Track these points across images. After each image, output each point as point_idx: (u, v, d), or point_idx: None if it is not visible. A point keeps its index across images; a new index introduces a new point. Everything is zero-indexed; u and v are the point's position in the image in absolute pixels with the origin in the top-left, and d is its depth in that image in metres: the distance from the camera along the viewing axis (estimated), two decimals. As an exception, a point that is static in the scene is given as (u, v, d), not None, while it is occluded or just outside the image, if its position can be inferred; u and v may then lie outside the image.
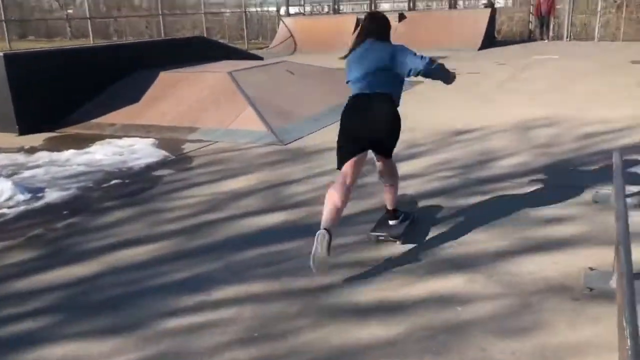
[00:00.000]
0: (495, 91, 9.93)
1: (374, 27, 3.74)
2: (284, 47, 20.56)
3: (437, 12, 20.65)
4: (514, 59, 14.95)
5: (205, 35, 29.94)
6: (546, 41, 20.10)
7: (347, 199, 3.36)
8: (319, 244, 3.06)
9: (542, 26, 20.50)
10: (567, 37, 20.57)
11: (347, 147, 3.48)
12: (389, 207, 3.91)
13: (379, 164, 3.76)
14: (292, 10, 23.32)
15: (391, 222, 3.90)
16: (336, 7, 22.27)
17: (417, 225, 3.98)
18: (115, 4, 32.67)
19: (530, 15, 21.97)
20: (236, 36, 29.45)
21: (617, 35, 22.57)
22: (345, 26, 20.56)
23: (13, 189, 4.93)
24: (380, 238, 3.77)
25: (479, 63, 14.50)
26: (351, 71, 3.62)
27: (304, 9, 23.05)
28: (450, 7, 20.65)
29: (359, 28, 3.81)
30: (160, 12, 21.20)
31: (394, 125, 3.53)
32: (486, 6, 20.03)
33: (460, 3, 26.50)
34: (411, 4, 21.28)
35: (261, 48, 21.80)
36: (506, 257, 3.47)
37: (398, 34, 19.98)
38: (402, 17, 19.98)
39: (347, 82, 3.62)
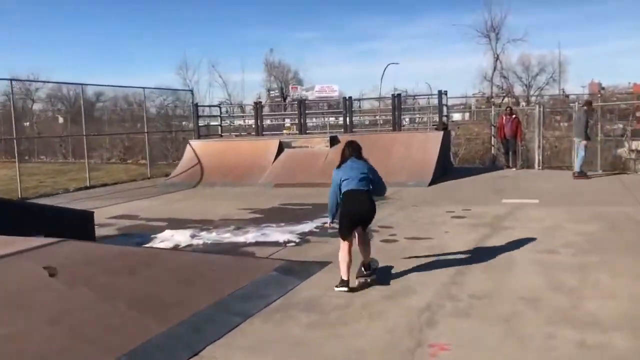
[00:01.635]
0: (447, 315, 5.08)
1: (353, 150, 5.82)
2: (187, 176, 15.87)
3: (378, 134, 16.47)
4: (476, 204, 10.42)
5: (118, 154, 25.37)
6: (514, 170, 15.92)
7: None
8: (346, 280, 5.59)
9: (507, 151, 16.41)
10: (538, 165, 16.46)
11: (349, 226, 5.65)
12: (365, 261, 5.90)
13: (357, 236, 5.80)
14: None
15: (366, 272, 5.90)
16: (260, 124, 17.93)
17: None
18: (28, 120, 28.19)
19: (493, 137, 18.00)
20: (159, 156, 25.00)
21: (592, 161, 18.73)
22: (266, 152, 16.14)
23: None
24: (362, 280, 5.82)
25: (426, 212, 9.88)
26: (347, 174, 5.65)
27: (220, 128, 18.63)
28: (394, 129, 16.51)
29: (343, 150, 5.89)
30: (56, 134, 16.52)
31: (372, 209, 5.70)
32: (438, 128, 15.93)
33: (416, 118, 22.68)
34: (347, 122, 17.09)
35: (168, 174, 17.12)
36: None
37: (328, 160, 15.83)
38: (334, 140, 15.66)
39: (344, 180, 5.63)
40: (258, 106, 17.78)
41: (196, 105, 17.49)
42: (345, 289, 5.53)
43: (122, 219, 10.49)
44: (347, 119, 16.99)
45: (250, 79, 80.00)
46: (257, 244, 8.02)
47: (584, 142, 13.13)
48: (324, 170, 14.89)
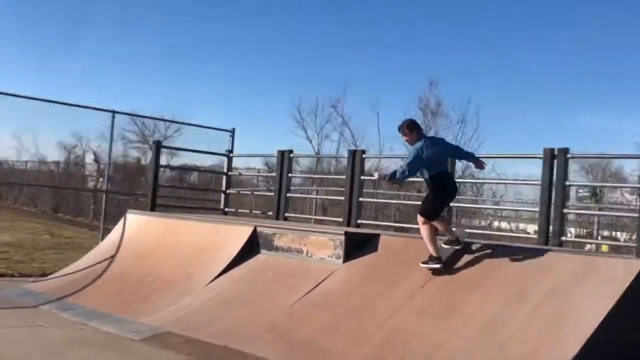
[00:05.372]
0: None
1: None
2: (73, 281, 8.70)
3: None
4: None
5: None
6: None
7: None
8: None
9: None
10: None
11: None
12: (453, 237, 6.62)
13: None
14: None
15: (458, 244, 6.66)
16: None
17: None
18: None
19: None
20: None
21: None
22: (219, 250, 8.39)
23: None
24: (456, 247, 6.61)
25: None
26: (438, 151, 6.53)
27: (224, 198, 10.88)
28: (545, 240, 7.02)
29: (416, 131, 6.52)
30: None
31: None
32: None
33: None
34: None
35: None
36: None
37: (324, 291, 6.21)
38: (353, 241, 7.23)
39: (435, 159, 6.46)
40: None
41: (158, 144, 10.44)
42: (441, 264, 6.36)
43: None
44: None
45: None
46: None
47: None
48: (292, 315, 6.59)
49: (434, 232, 6.42)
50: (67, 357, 5.80)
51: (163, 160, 19.70)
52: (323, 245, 7.54)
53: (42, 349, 5.97)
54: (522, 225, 15.44)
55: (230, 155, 11.43)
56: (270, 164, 13.86)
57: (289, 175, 10.30)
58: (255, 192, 13.22)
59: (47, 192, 22.52)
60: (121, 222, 9.95)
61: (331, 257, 7.41)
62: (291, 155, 10.37)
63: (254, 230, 8.27)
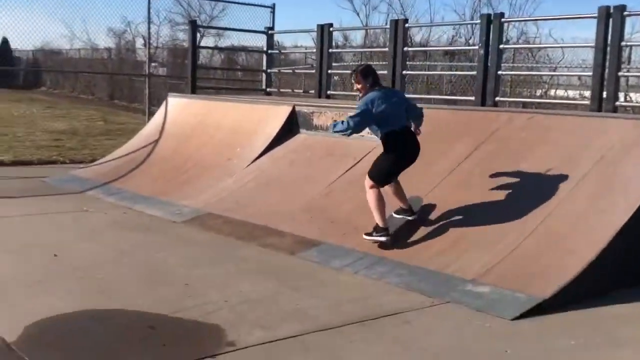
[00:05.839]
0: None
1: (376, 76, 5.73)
2: (117, 166, 8.89)
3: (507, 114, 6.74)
4: None
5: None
6: None
7: None
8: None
9: None
10: None
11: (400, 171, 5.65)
12: (406, 205, 5.71)
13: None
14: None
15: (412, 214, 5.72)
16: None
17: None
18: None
19: None
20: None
21: None
22: (256, 132, 8.28)
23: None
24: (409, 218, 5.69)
25: None
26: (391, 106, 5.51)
27: (265, 77, 10.78)
28: (598, 106, 6.55)
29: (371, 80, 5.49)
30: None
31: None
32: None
33: None
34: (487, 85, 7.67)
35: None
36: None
37: (361, 169, 5.66)
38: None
39: (389, 114, 5.47)
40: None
41: (193, 24, 10.09)
42: (388, 237, 5.45)
43: None
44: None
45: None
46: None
47: None
48: (330, 194, 6.53)
49: (383, 199, 5.48)
50: (110, 240, 5.96)
51: (210, 42, 19.52)
52: (363, 121, 7.30)
53: (86, 233, 6.16)
54: (587, 93, 14.43)
55: (270, 32, 11.03)
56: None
57: (329, 50, 9.90)
58: (297, 71, 12.83)
59: (103, 79, 22.81)
60: (163, 105, 9.95)
61: (370, 134, 7.18)
62: (330, 29, 9.90)
63: (293, 110, 8.09)
